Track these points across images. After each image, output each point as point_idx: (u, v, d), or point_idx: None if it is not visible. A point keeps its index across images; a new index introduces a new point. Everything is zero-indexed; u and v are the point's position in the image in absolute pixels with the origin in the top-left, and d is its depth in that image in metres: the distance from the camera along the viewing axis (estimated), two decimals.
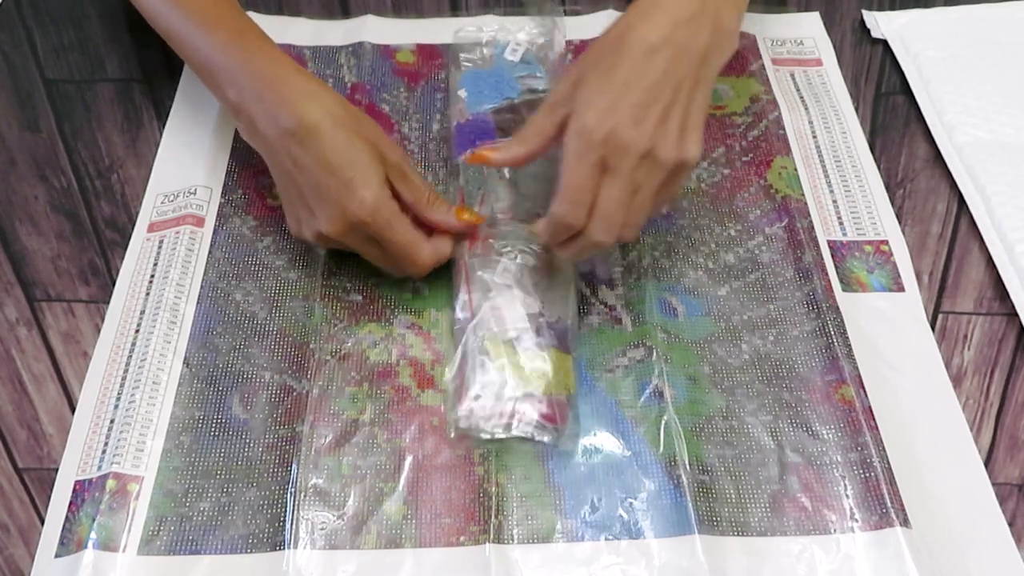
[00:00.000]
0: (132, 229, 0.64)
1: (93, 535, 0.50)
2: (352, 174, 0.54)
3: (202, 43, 0.60)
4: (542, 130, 0.54)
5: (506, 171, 0.62)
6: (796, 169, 0.67)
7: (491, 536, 0.50)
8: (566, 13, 0.78)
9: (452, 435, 0.54)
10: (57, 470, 0.54)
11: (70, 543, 0.50)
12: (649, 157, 0.51)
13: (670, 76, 0.51)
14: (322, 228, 0.55)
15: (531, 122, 0.54)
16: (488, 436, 0.53)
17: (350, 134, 0.55)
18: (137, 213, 0.65)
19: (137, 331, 0.59)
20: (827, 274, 0.61)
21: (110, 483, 0.52)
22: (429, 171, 0.67)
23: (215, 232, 0.64)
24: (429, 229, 0.58)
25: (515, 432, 0.53)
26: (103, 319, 0.60)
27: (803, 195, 0.65)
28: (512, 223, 0.60)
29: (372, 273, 0.61)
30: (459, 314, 0.57)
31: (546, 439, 0.53)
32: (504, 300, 0.56)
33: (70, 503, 0.52)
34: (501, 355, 0.54)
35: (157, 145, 0.69)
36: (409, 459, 0.53)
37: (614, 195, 0.51)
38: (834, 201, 0.66)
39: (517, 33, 0.73)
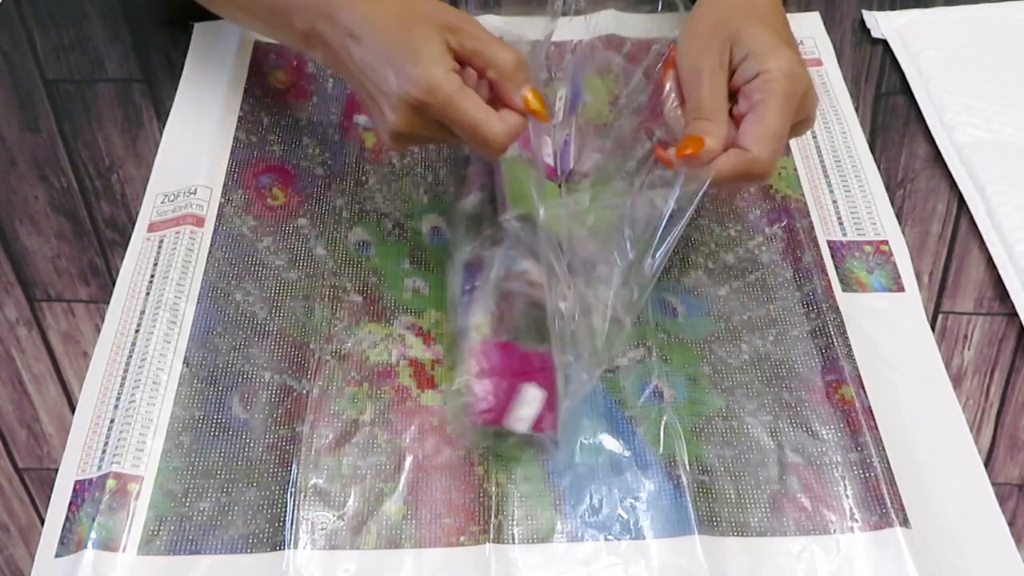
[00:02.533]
0: (132, 229, 0.64)
1: (93, 535, 0.50)
2: (405, 54, 0.50)
3: None
4: (722, 104, 0.52)
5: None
6: (796, 169, 0.67)
7: (491, 536, 0.50)
8: (565, 13, 0.78)
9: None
10: (57, 470, 0.54)
11: (70, 543, 0.50)
12: None
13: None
14: (391, 124, 0.52)
15: (705, 100, 0.51)
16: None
17: (401, 19, 0.52)
18: (137, 213, 0.65)
19: (137, 331, 0.59)
20: (827, 274, 0.61)
21: (110, 483, 0.52)
22: (430, 171, 0.67)
23: (215, 232, 0.64)
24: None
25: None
26: (103, 319, 0.60)
27: (803, 195, 0.65)
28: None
29: (372, 273, 0.61)
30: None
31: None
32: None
33: (70, 503, 0.52)
34: None
35: (157, 145, 0.69)
36: (409, 459, 0.53)
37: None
38: (834, 201, 0.66)
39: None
